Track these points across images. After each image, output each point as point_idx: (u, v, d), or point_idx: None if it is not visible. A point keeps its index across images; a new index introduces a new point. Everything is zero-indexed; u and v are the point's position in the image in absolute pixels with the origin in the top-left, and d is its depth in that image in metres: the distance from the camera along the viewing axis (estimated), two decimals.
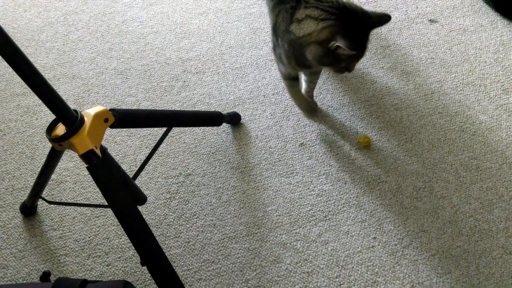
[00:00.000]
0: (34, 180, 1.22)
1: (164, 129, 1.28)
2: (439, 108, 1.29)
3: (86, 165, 0.84)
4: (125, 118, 0.94)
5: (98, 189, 1.14)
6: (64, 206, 1.15)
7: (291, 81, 1.19)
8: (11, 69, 1.50)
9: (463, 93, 1.33)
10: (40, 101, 1.36)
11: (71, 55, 1.54)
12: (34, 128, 1.34)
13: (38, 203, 1.15)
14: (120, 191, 0.86)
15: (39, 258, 1.06)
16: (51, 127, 0.89)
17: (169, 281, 0.88)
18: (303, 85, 1.27)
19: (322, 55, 0.93)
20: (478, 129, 1.24)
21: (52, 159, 0.97)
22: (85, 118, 0.86)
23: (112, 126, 0.92)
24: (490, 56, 1.42)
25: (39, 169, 1.24)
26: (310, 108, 1.23)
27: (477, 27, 1.51)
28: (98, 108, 0.89)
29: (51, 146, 0.94)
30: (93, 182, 1.20)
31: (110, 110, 0.91)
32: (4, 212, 1.16)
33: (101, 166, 0.85)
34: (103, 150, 0.89)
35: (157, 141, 1.27)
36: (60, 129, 0.87)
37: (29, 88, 1.46)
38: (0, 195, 1.19)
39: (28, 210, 1.13)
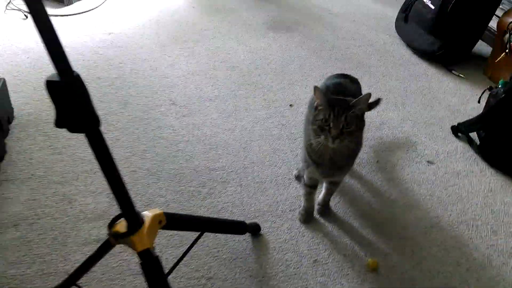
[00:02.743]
0: (64, 266, 1.29)
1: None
2: (439, 241, 1.45)
3: (141, 262, 0.95)
4: (173, 221, 1.07)
5: (122, 282, 1.23)
6: None
7: (310, 188, 1.42)
8: (52, 157, 1.65)
9: (458, 230, 1.50)
10: (76, 190, 1.50)
11: None
12: (68, 216, 1.44)
13: None
14: None
15: None
16: (112, 222, 1.01)
17: None
18: (322, 191, 1.48)
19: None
20: (472, 265, 1.39)
21: (103, 251, 1.07)
22: (145, 219, 0.99)
23: (163, 228, 1.04)
24: (480, 199, 1.62)
25: (70, 256, 1.33)
26: (308, 214, 1.48)
27: (468, 172, 1.74)
28: (156, 211, 1.02)
29: (105, 239, 1.04)
30: (121, 275, 1.28)
31: (164, 213, 1.04)
32: None
33: (154, 266, 0.95)
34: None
35: (181, 240, 1.38)
36: (120, 226, 0.99)
37: (66, 177, 1.59)
38: (30, 278, 1.25)
39: None
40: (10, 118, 1.80)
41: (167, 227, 1.06)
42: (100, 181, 1.58)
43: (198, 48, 2.48)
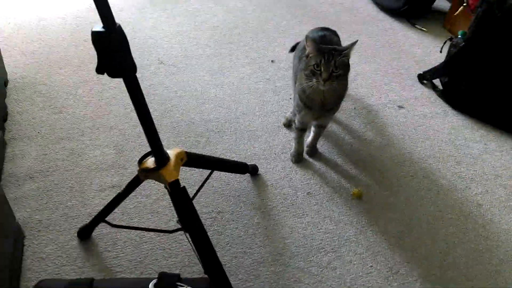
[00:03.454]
0: (85, 210, 1.42)
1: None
2: (411, 172, 1.67)
3: (170, 192, 1.10)
4: (192, 159, 1.22)
5: (141, 219, 1.38)
6: (118, 231, 1.35)
7: (300, 131, 1.60)
8: (54, 116, 1.73)
9: (427, 162, 1.73)
10: (83, 145, 1.61)
11: (107, 109, 1.81)
12: (80, 168, 1.56)
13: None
14: (197, 217, 1.11)
15: (98, 274, 1.25)
16: (141, 160, 1.15)
17: (225, 286, 1.12)
18: (311, 134, 1.66)
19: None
20: (440, 190, 1.62)
21: (132, 187, 1.21)
22: (170, 156, 1.13)
23: (184, 165, 1.19)
24: (445, 136, 1.85)
25: (89, 201, 1.46)
26: (299, 154, 1.66)
27: (433, 114, 1.96)
28: (178, 150, 1.17)
29: (135, 176, 1.18)
30: (139, 214, 1.42)
31: (185, 152, 1.19)
32: (61, 235, 1.34)
33: (183, 194, 1.11)
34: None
35: (188, 182, 1.53)
36: (149, 163, 1.13)
37: (71, 133, 1.69)
38: (55, 222, 1.38)
39: (86, 233, 1.33)
40: (5, 81, 1.85)
41: (187, 164, 1.21)
42: (104, 136, 1.69)
43: (177, 10, 2.56)
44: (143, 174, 1.14)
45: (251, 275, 1.29)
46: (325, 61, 1.30)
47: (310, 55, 1.34)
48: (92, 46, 0.89)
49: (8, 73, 1.91)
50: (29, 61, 2.03)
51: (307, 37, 1.34)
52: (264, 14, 2.59)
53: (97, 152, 1.62)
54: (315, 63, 1.31)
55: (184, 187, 1.12)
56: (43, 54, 2.08)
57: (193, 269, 1.29)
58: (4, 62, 1.91)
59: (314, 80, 1.33)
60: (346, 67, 1.36)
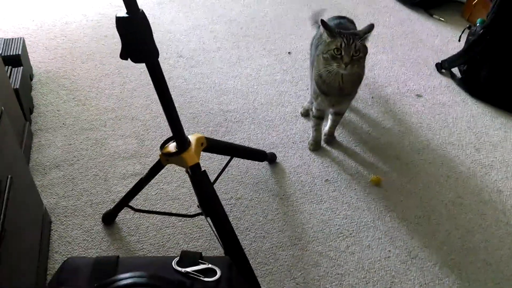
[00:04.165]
0: (109, 196, 1.47)
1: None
2: (430, 159, 1.67)
3: (191, 176, 1.13)
4: (212, 145, 1.25)
5: (163, 206, 1.42)
6: (140, 216, 1.39)
7: (318, 119, 1.62)
8: (78, 108, 1.79)
9: (446, 150, 1.72)
10: (106, 135, 1.66)
11: (129, 101, 1.85)
12: (104, 157, 1.60)
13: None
14: (217, 199, 1.14)
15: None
16: (163, 145, 1.18)
17: (246, 267, 1.14)
18: (328, 123, 1.67)
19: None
20: (459, 177, 1.62)
21: (154, 172, 1.24)
22: (191, 140, 1.17)
23: (204, 150, 1.22)
24: (464, 124, 1.84)
25: (112, 188, 1.50)
26: (316, 143, 1.68)
27: (452, 102, 1.95)
28: (198, 135, 1.20)
29: (156, 161, 1.22)
30: (160, 201, 1.46)
31: (205, 137, 1.22)
32: (86, 220, 1.39)
33: (204, 177, 1.14)
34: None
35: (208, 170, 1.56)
36: (171, 147, 1.17)
37: (94, 124, 1.74)
38: (81, 208, 1.43)
39: (110, 218, 1.37)
40: (31, 75, 1.92)
41: (207, 149, 1.24)
42: (126, 126, 1.73)
43: (195, 4, 2.60)
44: (165, 159, 1.17)
45: (270, 259, 1.32)
46: (346, 44, 1.31)
47: (329, 40, 1.36)
48: (112, 41, 0.92)
49: (33, 68, 1.98)
50: (52, 56, 2.09)
51: (322, 21, 1.36)
52: (280, 7, 2.61)
53: (119, 142, 1.67)
54: (335, 47, 1.33)
55: (204, 170, 1.15)
56: (66, 49, 2.14)
57: (214, 252, 1.32)
58: (29, 57, 1.98)
59: (335, 64, 1.34)
60: (365, 50, 1.37)
